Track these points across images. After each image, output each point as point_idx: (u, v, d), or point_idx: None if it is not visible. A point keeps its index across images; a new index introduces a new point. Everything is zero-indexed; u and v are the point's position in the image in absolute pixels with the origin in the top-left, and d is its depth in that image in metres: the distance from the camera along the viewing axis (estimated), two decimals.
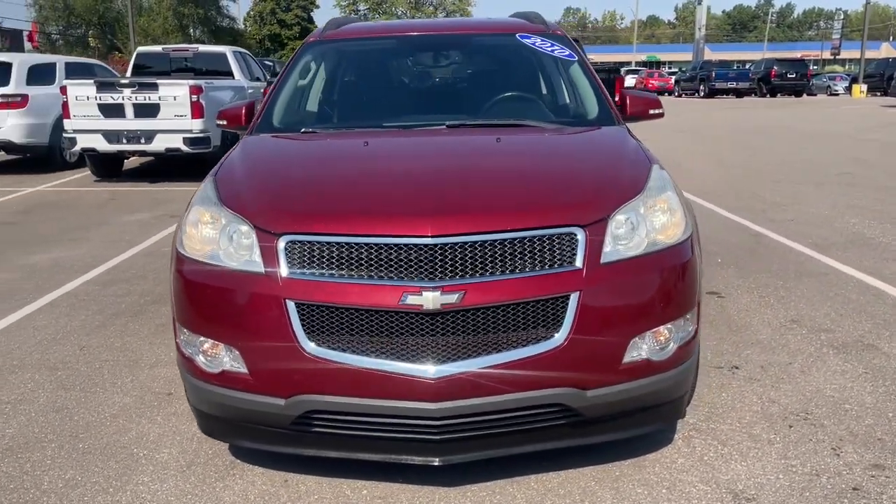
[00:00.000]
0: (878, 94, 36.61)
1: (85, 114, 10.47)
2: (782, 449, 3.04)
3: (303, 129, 3.61)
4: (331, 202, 2.73)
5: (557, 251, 2.48)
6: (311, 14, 63.18)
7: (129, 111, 10.44)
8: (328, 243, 2.48)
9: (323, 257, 2.48)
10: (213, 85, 11.05)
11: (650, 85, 49.80)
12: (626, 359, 2.52)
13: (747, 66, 45.86)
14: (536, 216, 2.52)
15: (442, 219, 2.45)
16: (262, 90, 12.13)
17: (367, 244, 2.45)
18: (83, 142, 10.57)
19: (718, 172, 11.18)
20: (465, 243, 2.43)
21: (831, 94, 44.72)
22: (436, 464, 2.57)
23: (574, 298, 2.43)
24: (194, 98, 10.30)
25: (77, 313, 5.02)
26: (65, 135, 10.76)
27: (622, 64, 78.80)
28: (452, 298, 2.35)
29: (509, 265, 2.44)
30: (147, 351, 4.29)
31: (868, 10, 46.68)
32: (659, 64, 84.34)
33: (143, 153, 10.99)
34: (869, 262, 5.82)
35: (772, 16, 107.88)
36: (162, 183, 11.04)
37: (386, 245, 2.43)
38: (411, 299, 2.35)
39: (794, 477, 2.83)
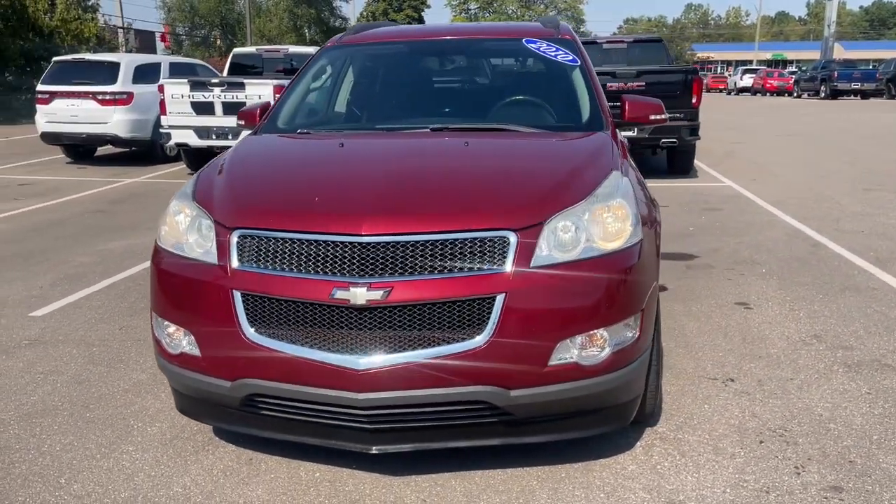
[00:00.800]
0: None
1: (179, 111, 11.19)
2: (742, 464, 2.98)
3: (298, 130, 3.82)
4: (281, 200, 2.91)
5: (488, 254, 2.56)
6: (423, 14, 64.27)
7: (219, 109, 11.06)
8: (273, 238, 2.66)
9: (268, 252, 2.66)
10: None
11: (768, 85, 47.57)
12: (554, 361, 2.57)
13: (873, 66, 42.97)
14: (469, 219, 2.60)
15: (377, 219, 2.58)
16: None
17: (307, 240, 2.61)
18: (177, 137, 11.30)
19: (806, 178, 10.68)
20: (397, 243, 2.54)
21: None
22: (373, 452, 2.70)
23: (499, 300, 2.50)
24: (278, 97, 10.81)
25: (129, 296, 5.45)
26: (161, 130, 11.52)
27: (744, 62, 75.63)
28: (378, 295, 2.48)
29: (438, 265, 2.53)
30: None
31: None
32: (785, 63, 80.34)
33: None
34: None
35: None
36: None
37: (324, 242, 2.59)
38: (340, 294, 2.50)
39: (740, 492, 2.78)
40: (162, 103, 11.29)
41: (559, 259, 2.60)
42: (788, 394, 3.61)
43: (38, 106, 12.80)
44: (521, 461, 3.00)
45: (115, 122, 12.38)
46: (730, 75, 65.00)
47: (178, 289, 2.81)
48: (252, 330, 2.62)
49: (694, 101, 10.40)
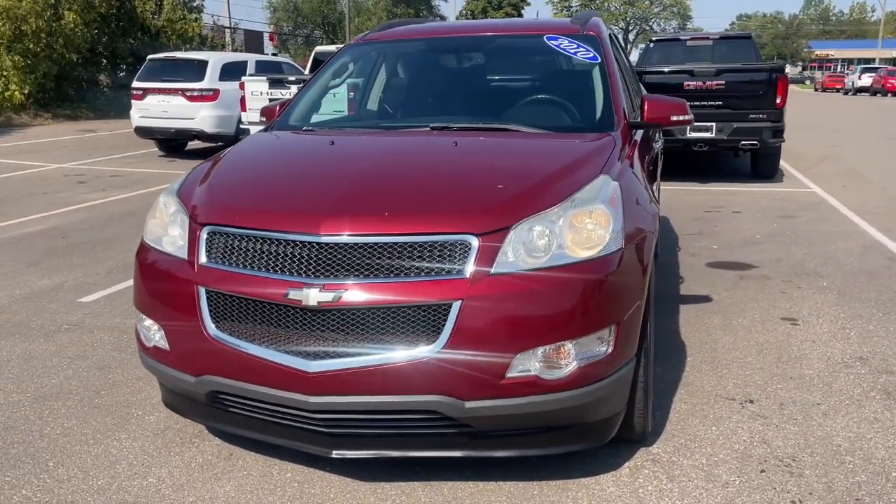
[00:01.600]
0: None
1: (258, 107, 11.49)
2: (733, 494, 2.76)
3: (304, 128, 3.81)
4: (251, 198, 2.90)
5: (447, 258, 2.46)
6: (522, 11, 63.79)
7: (333, 106, 11.30)
8: (237, 236, 2.66)
9: (233, 249, 2.66)
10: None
11: (889, 85, 44.61)
12: (512, 373, 2.44)
13: None
14: (430, 222, 2.51)
15: (336, 219, 2.53)
16: None
17: (269, 238, 2.59)
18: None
19: None
20: (356, 244, 2.48)
21: None
22: (332, 456, 2.65)
23: (456, 307, 2.40)
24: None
25: None
26: (241, 125, 11.89)
27: (866, 61, 71.12)
28: (329, 297, 2.42)
29: (395, 269, 2.46)
30: None
31: None
32: None
33: None
34: None
35: None
36: None
37: (284, 241, 2.55)
38: (293, 294, 2.46)
39: None
40: (242, 100, 11.66)
41: (524, 266, 2.47)
42: (810, 420, 3.32)
43: (132, 102, 13.49)
44: (498, 475, 2.88)
45: (202, 117, 12.88)
46: (848, 74, 61.40)
47: (153, 283, 2.85)
48: (214, 326, 2.62)
49: (778, 101, 9.84)
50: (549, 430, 2.64)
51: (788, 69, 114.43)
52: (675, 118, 3.58)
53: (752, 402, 3.52)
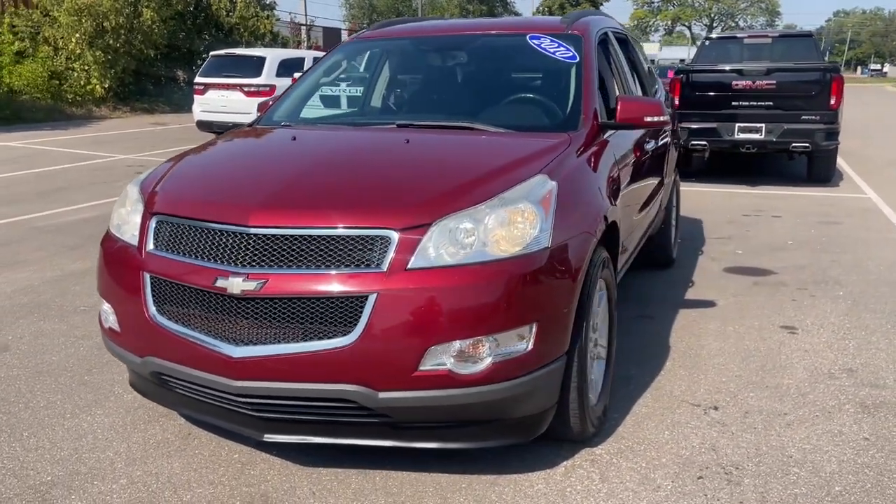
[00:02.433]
0: None
1: (309, 103, 11.79)
2: (661, 498, 2.74)
3: (283, 123, 3.94)
4: (198, 189, 3.04)
5: (367, 252, 2.53)
6: (600, 6, 62.84)
7: (344, 102, 11.50)
8: (181, 225, 2.79)
9: (176, 237, 2.80)
10: None
11: None
12: (425, 366, 2.49)
13: None
14: (353, 216, 2.58)
15: (265, 211, 2.63)
16: None
17: (205, 228, 2.71)
18: None
19: None
20: (282, 235, 2.58)
21: None
22: (264, 439, 2.76)
23: (371, 299, 2.47)
24: None
25: None
26: None
27: None
28: (252, 286, 2.53)
29: (315, 260, 2.54)
30: None
31: None
32: None
33: None
34: None
35: None
36: None
37: (218, 231, 2.68)
38: (220, 282, 2.58)
39: None
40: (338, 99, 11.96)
41: (442, 262, 2.51)
42: (769, 430, 3.24)
43: (194, 96, 14.03)
44: (436, 467, 2.94)
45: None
46: None
47: (110, 268, 3.03)
48: (155, 310, 2.77)
49: (833, 102, 9.45)
50: (471, 423, 2.68)
51: (887, 68, 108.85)
52: (648, 119, 3.53)
53: (716, 408, 3.45)
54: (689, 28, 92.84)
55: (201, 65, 24.99)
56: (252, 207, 2.65)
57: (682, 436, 3.20)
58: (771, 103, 9.68)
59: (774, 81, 9.61)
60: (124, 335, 2.92)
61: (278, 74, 13.45)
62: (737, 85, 9.73)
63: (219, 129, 13.99)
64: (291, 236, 2.58)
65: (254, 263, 2.57)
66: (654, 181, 4.78)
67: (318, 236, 2.56)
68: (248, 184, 2.99)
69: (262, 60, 13.54)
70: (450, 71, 4.28)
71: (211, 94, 13.60)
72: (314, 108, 4.38)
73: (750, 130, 9.74)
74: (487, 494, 2.77)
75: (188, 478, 2.92)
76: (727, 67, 10.01)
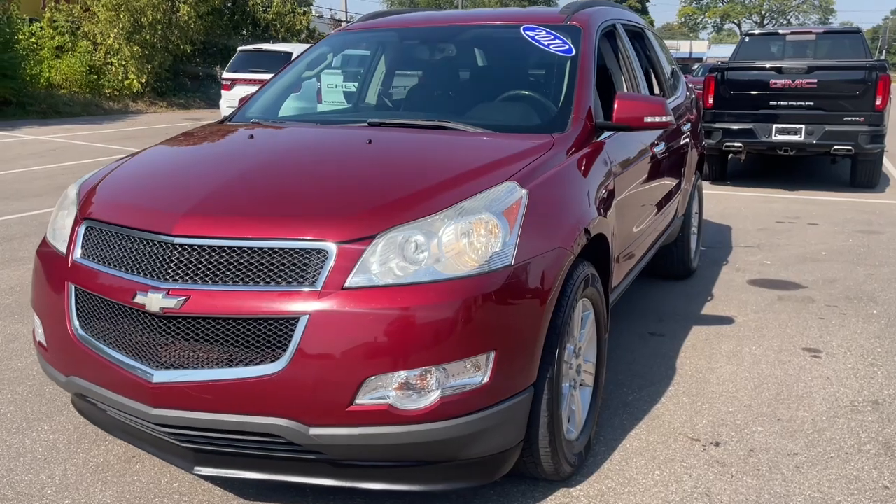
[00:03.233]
0: None
1: (332, 99, 11.55)
2: None
3: (252, 120, 3.66)
4: (129, 191, 2.76)
5: (301, 268, 2.23)
6: (646, 5, 61.70)
7: (342, 97, 11.31)
8: (107, 231, 2.53)
9: (102, 245, 2.53)
10: None
11: None
12: (362, 399, 2.18)
13: None
14: (287, 226, 2.28)
15: (191, 219, 2.35)
16: None
17: (129, 236, 2.45)
18: None
19: None
20: (208, 247, 2.29)
21: None
22: (194, 472, 2.48)
23: (303, 322, 2.17)
24: None
25: None
26: None
27: None
28: (172, 303, 2.25)
29: (243, 276, 2.25)
30: None
31: None
32: None
33: None
34: None
35: None
36: None
37: (143, 239, 2.40)
38: (139, 298, 2.30)
39: None
40: (318, 92, 11.74)
41: (386, 281, 2.20)
42: (775, 473, 2.86)
43: (222, 92, 13.93)
44: (397, 500, 2.64)
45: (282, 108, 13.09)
46: None
47: (39, 278, 2.77)
48: (79, 325, 2.51)
49: (878, 102, 8.86)
50: (422, 464, 2.36)
51: None
52: (649, 119, 3.16)
53: (717, 444, 3.08)
54: (739, 25, 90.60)
55: None
56: (178, 215, 2.37)
57: (675, 477, 2.84)
58: (812, 103, 9.14)
59: (815, 80, 9.06)
60: (51, 351, 2.67)
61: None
62: (775, 83, 9.21)
63: None
64: (219, 247, 2.29)
65: (177, 278, 2.29)
66: (667, 186, 4.40)
67: (248, 248, 2.27)
68: (182, 188, 2.70)
69: (288, 56, 13.33)
70: (435, 65, 3.95)
71: (238, 89, 13.45)
72: (301, 101, 4.09)
73: (788, 132, 9.21)
74: None
75: None
76: (765, 65, 9.49)
